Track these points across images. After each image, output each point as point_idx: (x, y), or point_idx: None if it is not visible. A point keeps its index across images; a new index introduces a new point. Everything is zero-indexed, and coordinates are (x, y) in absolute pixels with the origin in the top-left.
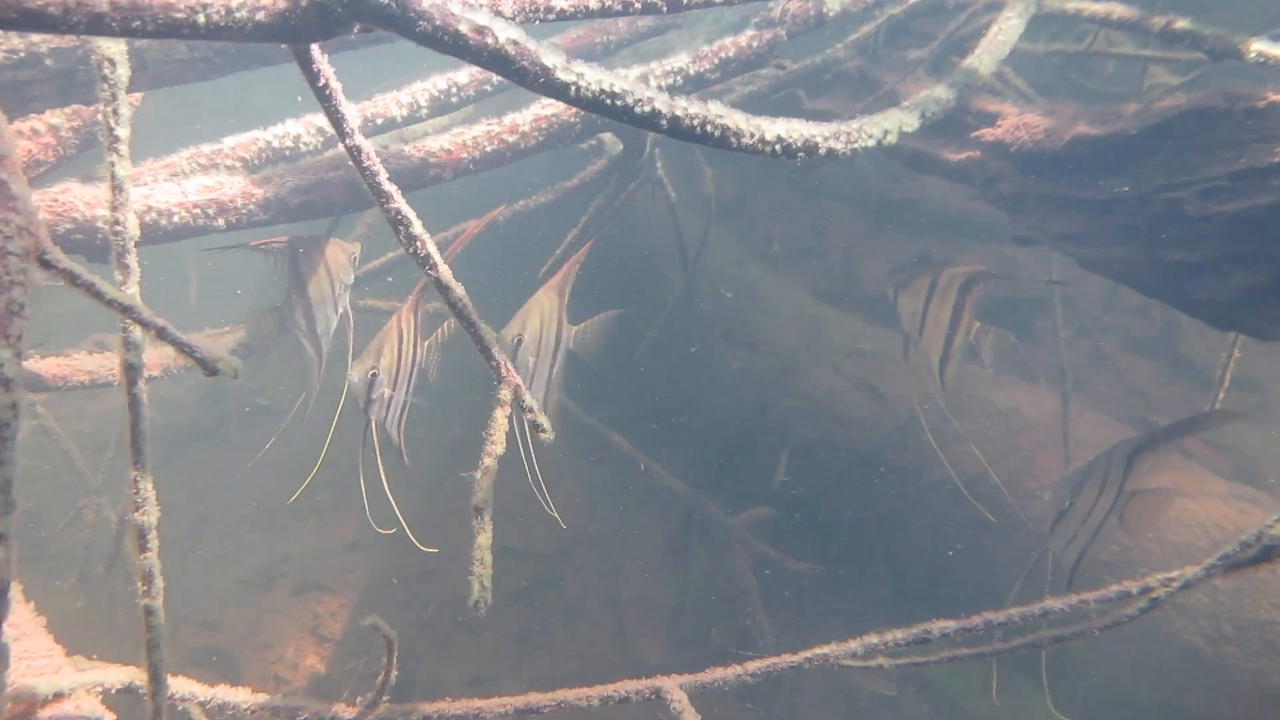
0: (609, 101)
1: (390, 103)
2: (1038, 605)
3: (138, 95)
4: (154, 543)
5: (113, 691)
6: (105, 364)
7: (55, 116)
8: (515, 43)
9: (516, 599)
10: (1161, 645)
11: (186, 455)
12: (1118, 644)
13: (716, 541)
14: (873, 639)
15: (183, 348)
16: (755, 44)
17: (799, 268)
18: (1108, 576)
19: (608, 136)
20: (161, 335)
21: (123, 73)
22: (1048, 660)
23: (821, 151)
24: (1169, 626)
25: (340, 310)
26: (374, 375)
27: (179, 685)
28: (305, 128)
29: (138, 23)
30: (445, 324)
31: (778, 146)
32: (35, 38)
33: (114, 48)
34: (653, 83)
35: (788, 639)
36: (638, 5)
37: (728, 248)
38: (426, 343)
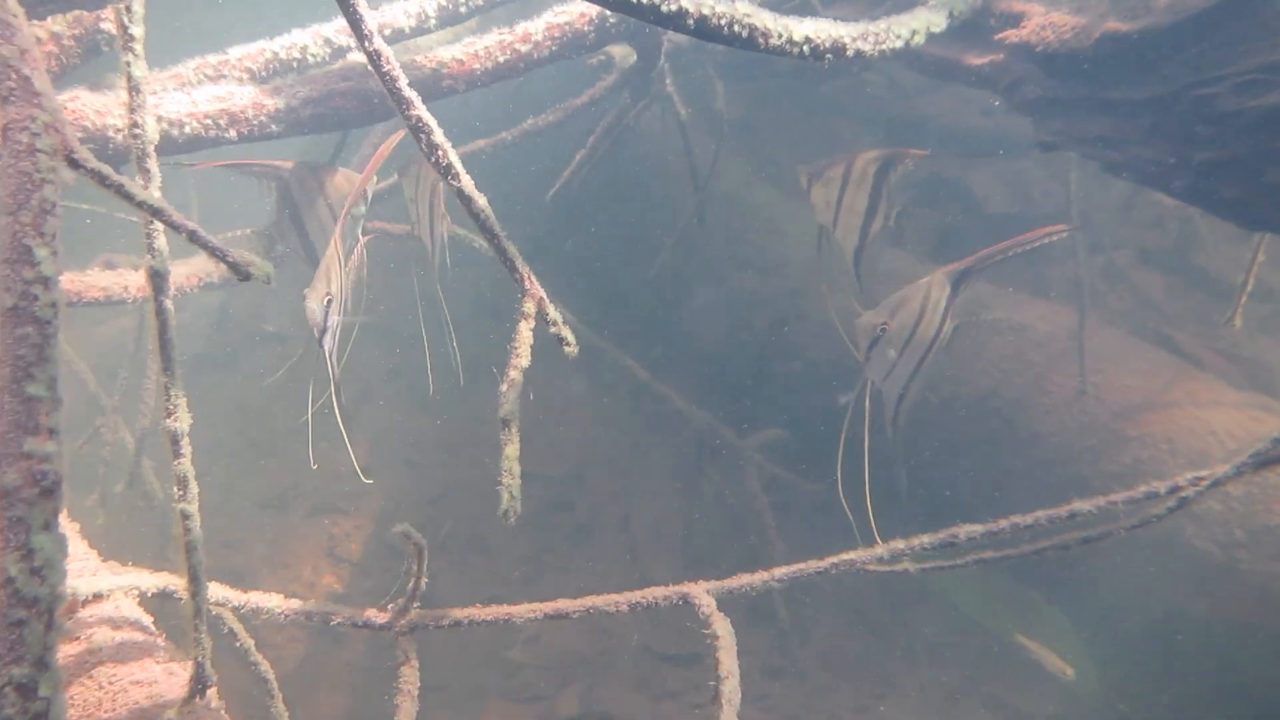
0: None
1: (398, 13)
2: (1065, 508)
3: None
4: (187, 449)
5: (149, 595)
6: (118, 281)
7: (56, 24)
8: None
9: (529, 522)
10: (1173, 551)
11: (198, 382)
12: (1128, 551)
13: (728, 463)
14: (899, 544)
15: (214, 252)
16: None
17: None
18: (1120, 488)
19: (618, 50)
20: (193, 238)
21: None
22: (1059, 569)
23: (849, 53)
24: (1180, 533)
25: (354, 240)
26: (329, 302)
27: (213, 590)
28: (313, 38)
29: None
30: (358, 247)
31: (805, 47)
32: None
33: None
34: None
35: (800, 558)
36: None
37: (736, 168)
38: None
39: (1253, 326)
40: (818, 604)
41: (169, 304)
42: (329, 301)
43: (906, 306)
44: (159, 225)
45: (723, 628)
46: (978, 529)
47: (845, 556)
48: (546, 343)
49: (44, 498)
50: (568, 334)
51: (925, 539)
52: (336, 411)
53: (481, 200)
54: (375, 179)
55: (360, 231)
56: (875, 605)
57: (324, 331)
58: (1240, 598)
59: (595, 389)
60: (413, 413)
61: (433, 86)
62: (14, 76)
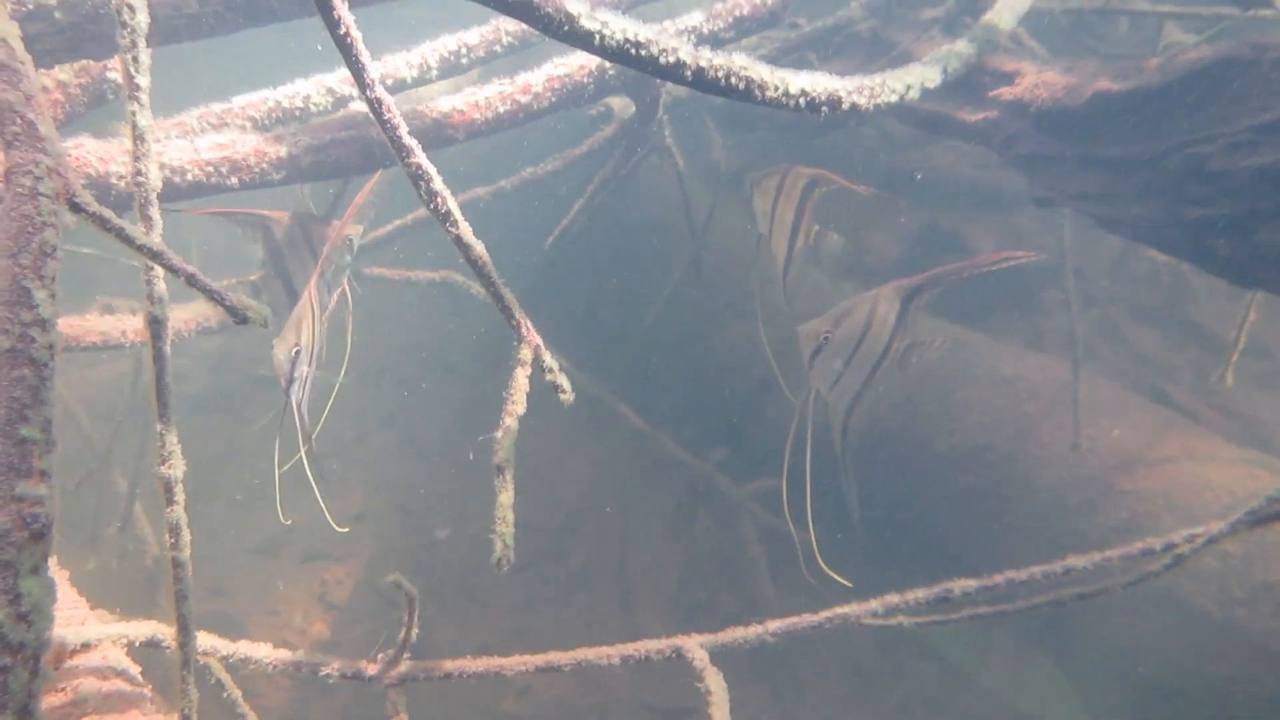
0: (633, 51)
1: (400, 63)
2: (1060, 564)
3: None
4: (180, 496)
5: (137, 644)
6: (116, 325)
7: (63, 73)
8: None
9: (523, 568)
10: (1170, 608)
11: (194, 425)
12: (1126, 607)
13: (723, 512)
14: (894, 598)
15: (212, 295)
16: (770, 2)
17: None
18: (1117, 543)
19: (617, 101)
20: (191, 282)
21: (142, 19)
22: (1055, 625)
23: (845, 105)
24: (1178, 589)
25: (336, 289)
26: (298, 353)
27: (202, 640)
28: (315, 87)
29: None
30: (336, 294)
31: (802, 100)
32: None
33: None
34: None
35: (794, 608)
36: None
37: (733, 218)
38: (324, 314)
39: (1248, 382)
40: (814, 656)
41: (167, 350)
42: (297, 352)
43: (851, 318)
44: (158, 272)
45: (715, 682)
46: (972, 584)
47: (839, 610)
48: (542, 389)
49: (34, 541)
50: (564, 382)
51: (919, 593)
52: (305, 463)
53: (479, 247)
54: (362, 230)
55: (347, 280)
56: (872, 658)
57: (292, 382)
58: (1238, 655)
59: (591, 435)
60: (407, 457)
61: (435, 135)
62: (19, 121)
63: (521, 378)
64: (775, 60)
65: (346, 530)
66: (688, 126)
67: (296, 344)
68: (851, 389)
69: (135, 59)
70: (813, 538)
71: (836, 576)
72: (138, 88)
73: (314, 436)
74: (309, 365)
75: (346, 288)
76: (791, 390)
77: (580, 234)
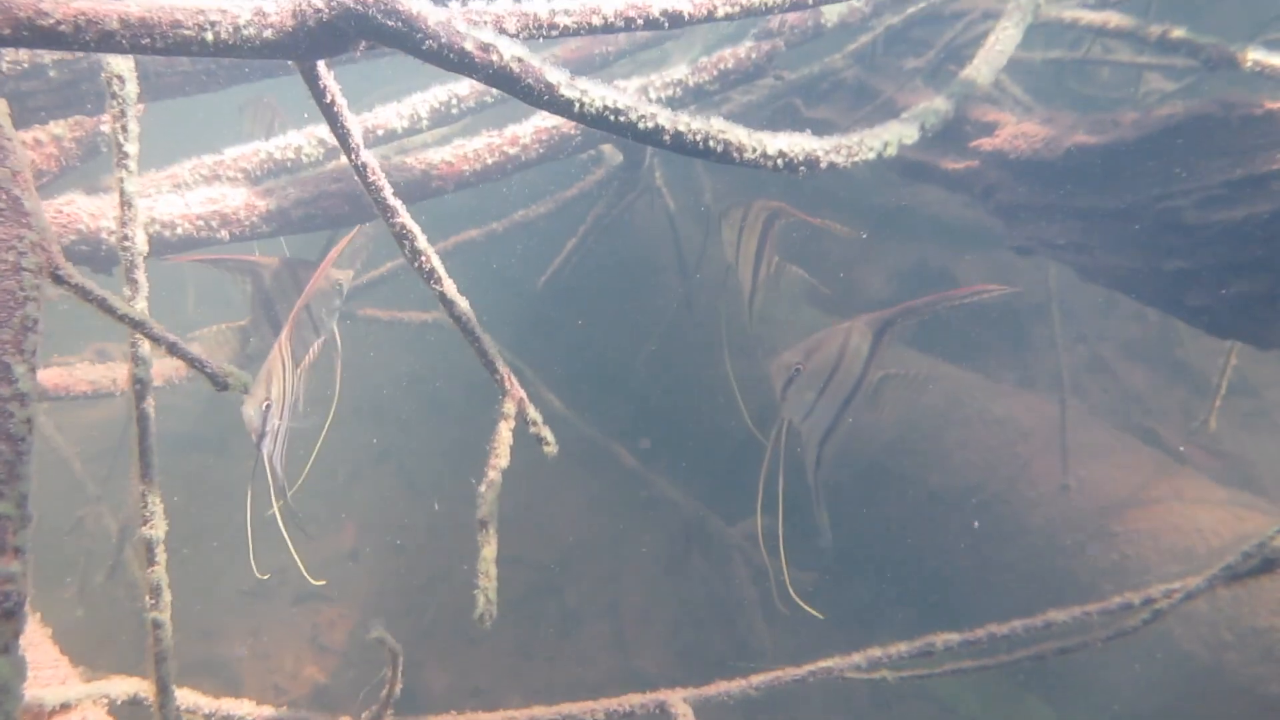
0: (613, 118)
1: (391, 114)
2: (1041, 618)
3: (140, 106)
4: (161, 557)
5: (118, 703)
6: (107, 374)
7: (58, 127)
8: (520, 60)
9: (515, 608)
10: (1161, 652)
11: (187, 464)
12: (1117, 651)
13: (716, 551)
14: (876, 652)
15: (194, 363)
16: (754, 55)
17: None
18: (1107, 584)
19: (607, 148)
20: (173, 350)
21: (131, 89)
22: (1049, 669)
23: (823, 166)
24: (1169, 634)
25: (323, 334)
26: (268, 407)
27: (183, 697)
28: (306, 139)
29: (147, 40)
30: (313, 346)
31: (779, 161)
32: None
33: (123, 65)
34: (653, 95)
35: (786, 649)
36: (639, 22)
37: (723, 257)
38: (299, 368)
39: (1236, 422)
40: (807, 702)
41: (150, 410)
42: (268, 407)
43: (823, 350)
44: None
45: None
46: (955, 637)
47: (823, 664)
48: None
49: (4, 620)
50: (547, 434)
51: (903, 646)
52: (279, 518)
53: (463, 304)
54: (352, 274)
55: (335, 323)
56: (865, 704)
57: (262, 437)
58: (1228, 700)
59: (583, 475)
60: (401, 496)
61: (423, 187)
62: (4, 197)
63: (505, 431)
64: (763, 106)
65: (322, 584)
66: (678, 168)
67: (267, 398)
68: (824, 420)
69: (124, 128)
70: (785, 570)
71: (809, 608)
72: (126, 155)
73: (301, 478)
74: (280, 419)
75: (335, 331)
76: (753, 417)
77: (573, 273)
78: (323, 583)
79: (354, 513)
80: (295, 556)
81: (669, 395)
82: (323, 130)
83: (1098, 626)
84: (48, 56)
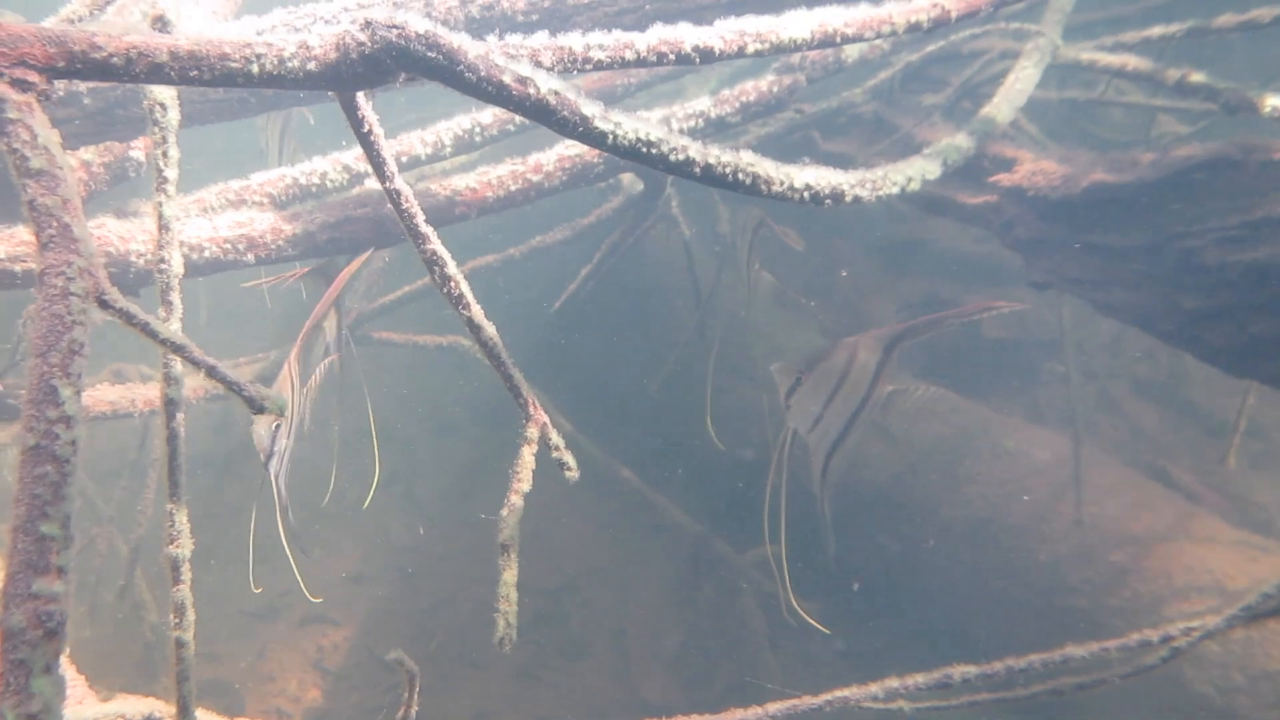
0: (645, 150)
1: (416, 141)
2: (1059, 652)
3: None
4: (187, 575)
5: None
6: (125, 395)
7: (87, 152)
8: (556, 93)
9: (521, 633)
10: (1172, 694)
11: (194, 485)
12: (1129, 692)
13: (724, 579)
14: (893, 682)
15: (231, 386)
16: (775, 88)
17: (808, 306)
18: (1117, 622)
19: (627, 177)
20: (211, 374)
21: (173, 116)
22: (1062, 709)
23: (848, 199)
24: (1180, 675)
25: (328, 341)
26: (278, 427)
27: (201, 718)
28: (332, 165)
29: (195, 72)
30: (320, 366)
31: (806, 194)
32: None
33: (165, 93)
34: (675, 125)
35: (794, 679)
36: (671, 57)
37: (738, 285)
38: (305, 389)
39: (1245, 464)
40: None
41: (181, 429)
42: (278, 427)
43: (828, 361)
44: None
45: None
46: (972, 670)
47: (839, 694)
48: (543, 454)
49: (48, 639)
50: (569, 459)
51: (919, 677)
52: (283, 535)
53: (490, 329)
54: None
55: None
56: None
57: (270, 457)
58: None
59: (592, 495)
60: (408, 519)
61: (447, 212)
62: (55, 224)
63: (528, 455)
64: (781, 138)
65: (319, 601)
66: (694, 195)
67: (277, 419)
68: (832, 431)
69: (165, 154)
70: (789, 589)
71: (814, 621)
72: (165, 180)
73: (325, 499)
74: (288, 439)
75: (336, 356)
76: (716, 427)
77: (588, 299)
78: (320, 599)
79: (360, 534)
80: (298, 577)
81: (680, 422)
82: (347, 158)
83: (1116, 663)
84: (82, 85)
